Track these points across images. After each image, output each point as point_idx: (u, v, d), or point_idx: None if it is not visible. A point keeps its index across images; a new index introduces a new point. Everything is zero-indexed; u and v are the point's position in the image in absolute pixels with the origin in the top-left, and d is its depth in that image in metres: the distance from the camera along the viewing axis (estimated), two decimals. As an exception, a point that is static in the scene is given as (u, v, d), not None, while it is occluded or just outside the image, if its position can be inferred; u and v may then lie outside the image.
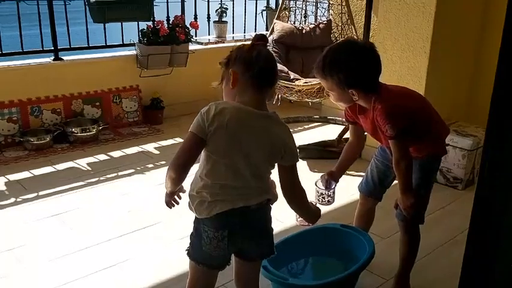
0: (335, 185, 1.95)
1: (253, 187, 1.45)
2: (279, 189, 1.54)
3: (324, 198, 1.93)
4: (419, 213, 1.90)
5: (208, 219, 1.44)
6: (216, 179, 1.43)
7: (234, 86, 1.46)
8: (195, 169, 1.49)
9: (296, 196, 1.54)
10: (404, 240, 1.98)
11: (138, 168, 3.24)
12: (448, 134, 2.00)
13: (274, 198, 1.52)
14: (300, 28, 4.01)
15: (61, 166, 3.25)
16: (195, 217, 1.50)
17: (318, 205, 1.72)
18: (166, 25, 3.95)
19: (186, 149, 1.45)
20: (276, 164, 1.50)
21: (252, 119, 1.44)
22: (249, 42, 1.51)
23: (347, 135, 3.40)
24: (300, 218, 1.71)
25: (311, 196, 1.88)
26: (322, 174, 1.98)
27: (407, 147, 1.79)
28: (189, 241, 1.54)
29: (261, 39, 1.52)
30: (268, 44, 1.55)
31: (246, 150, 1.42)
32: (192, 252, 1.52)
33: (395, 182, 2.02)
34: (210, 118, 1.41)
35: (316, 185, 1.95)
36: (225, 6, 4.53)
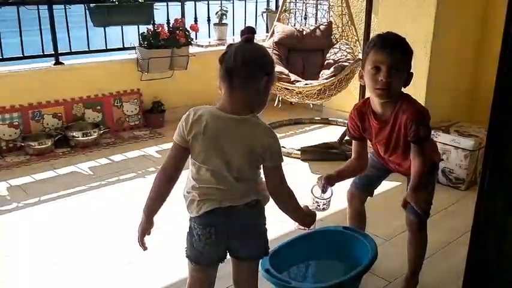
0: (332, 194, 1.92)
1: (239, 189, 1.46)
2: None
3: (318, 206, 1.91)
4: (428, 208, 1.90)
5: (197, 217, 1.48)
6: (201, 182, 1.46)
7: (221, 92, 1.46)
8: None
9: (284, 198, 1.52)
10: (415, 240, 1.97)
11: (140, 171, 3.24)
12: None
13: (265, 199, 1.52)
14: (301, 30, 4.01)
15: (62, 170, 3.25)
16: (190, 216, 1.52)
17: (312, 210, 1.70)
18: (166, 28, 3.95)
19: (169, 159, 1.50)
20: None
21: (227, 124, 1.43)
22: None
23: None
24: (297, 223, 1.69)
25: (309, 201, 1.87)
26: (319, 176, 1.95)
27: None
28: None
29: (244, 32, 1.45)
30: (253, 36, 1.46)
31: (225, 155, 1.43)
32: (187, 251, 1.56)
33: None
34: (189, 126, 1.43)
35: (312, 192, 1.91)
36: (225, 9, 4.54)
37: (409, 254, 2.00)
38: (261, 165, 1.48)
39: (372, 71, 1.75)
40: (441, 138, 2.97)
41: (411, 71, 1.80)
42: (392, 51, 1.73)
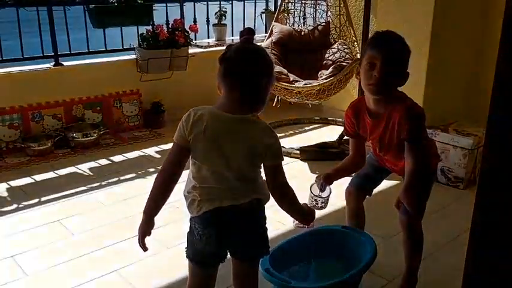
0: (330, 192, 1.93)
1: (240, 188, 1.47)
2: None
3: (317, 204, 1.92)
4: (422, 208, 1.91)
5: (198, 217, 1.48)
6: (202, 182, 1.47)
7: (220, 92, 1.47)
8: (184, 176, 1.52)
9: (284, 196, 1.53)
10: (408, 239, 1.97)
11: (140, 172, 3.24)
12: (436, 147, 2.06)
13: (265, 198, 1.53)
14: (299, 30, 4.01)
15: (62, 171, 3.25)
16: (190, 216, 1.53)
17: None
18: (165, 29, 3.96)
19: (170, 159, 1.50)
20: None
21: (227, 124, 1.44)
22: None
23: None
24: (296, 221, 1.70)
25: (308, 199, 1.88)
26: (317, 175, 1.96)
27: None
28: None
29: (243, 33, 1.48)
30: (253, 37, 1.49)
31: (226, 155, 1.43)
32: (187, 251, 1.57)
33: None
34: (189, 126, 1.44)
35: (311, 190, 1.93)
36: (224, 9, 4.54)
37: (404, 253, 2.00)
38: (262, 164, 1.49)
39: (367, 67, 1.77)
40: (440, 137, 2.98)
41: (408, 70, 1.80)
42: (388, 49, 1.75)
